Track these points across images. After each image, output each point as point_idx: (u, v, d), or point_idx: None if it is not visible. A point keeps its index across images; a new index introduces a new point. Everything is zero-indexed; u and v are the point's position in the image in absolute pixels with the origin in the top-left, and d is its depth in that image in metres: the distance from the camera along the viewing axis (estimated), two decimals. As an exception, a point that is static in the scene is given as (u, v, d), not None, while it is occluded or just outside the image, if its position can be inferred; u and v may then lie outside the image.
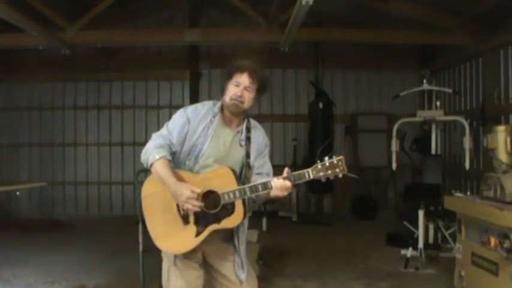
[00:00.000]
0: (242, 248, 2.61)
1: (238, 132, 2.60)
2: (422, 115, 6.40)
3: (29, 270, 5.43)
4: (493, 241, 3.41)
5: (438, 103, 6.54)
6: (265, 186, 2.37)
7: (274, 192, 2.37)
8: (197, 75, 9.69)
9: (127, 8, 9.10)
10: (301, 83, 9.78)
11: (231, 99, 2.52)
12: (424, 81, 6.63)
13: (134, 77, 9.72)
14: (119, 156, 9.80)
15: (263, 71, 2.61)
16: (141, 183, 2.60)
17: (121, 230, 7.24)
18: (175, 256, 2.53)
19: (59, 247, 6.63)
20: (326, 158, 2.33)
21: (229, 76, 2.55)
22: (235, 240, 2.58)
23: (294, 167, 8.94)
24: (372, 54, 9.23)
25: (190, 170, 2.52)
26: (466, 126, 6.14)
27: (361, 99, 9.77)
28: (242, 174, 2.54)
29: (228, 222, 2.43)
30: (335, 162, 2.32)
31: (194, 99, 9.40)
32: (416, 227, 5.75)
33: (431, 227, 6.05)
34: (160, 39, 7.76)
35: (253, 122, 2.68)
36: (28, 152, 9.79)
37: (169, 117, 2.67)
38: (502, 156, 3.94)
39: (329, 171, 2.32)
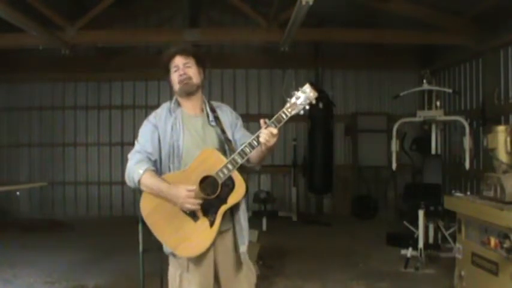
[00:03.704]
0: (238, 227, 2.56)
1: (204, 116, 2.63)
2: (422, 115, 6.39)
3: (29, 270, 5.43)
4: (493, 241, 3.41)
5: (438, 103, 6.53)
6: (252, 145, 2.38)
7: (264, 144, 2.35)
8: (197, 75, 9.68)
9: (127, 8, 9.09)
10: (301, 83, 9.73)
11: (179, 82, 2.57)
12: (424, 81, 6.62)
13: (134, 77, 9.72)
14: (119, 156, 9.78)
15: (190, 45, 2.71)
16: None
17: (121, 230, 7.22)
18: (189, 262, 2.49)
19: (59, 247, 6.63)
20: (295, 92, 2.38)
21: (166, 70, 2.62)
22: (234, 222, 2.55)
23: (294, 167, 8.97)
24: (372, 54, 9.23)
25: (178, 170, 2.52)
26: (466, 126, 6.14)
27: (361, 99, 9.77)
28: (226, 151, 2.53)
29: (234, 198, 2.42)
30: (302, 90, 2.38)
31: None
32: (416, 227, 5.75)
33: (431, 227, 6.05)
34: (160, 39, 7.75)
35: (215, 103, 2.73)
36: (28, 152, 9.79)
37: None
38: (502, 156, 3.94)
39: (301, 100, 2.37)
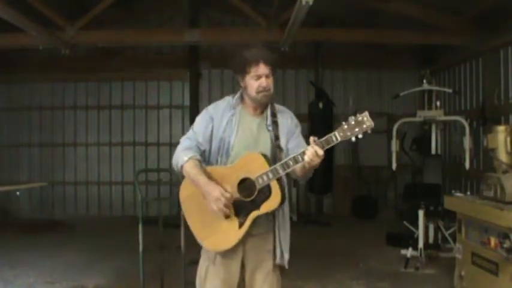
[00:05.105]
0: (282, 234, 2.57)
1: (263, 118, 2.57)
2: (422, 115, 6.40)
3: (29, 271, 5.44)
4: (493, 241, 3.42)
5: (438, 103, 6.54)
6: (296, 160, 2.32)
7: (307, 162, 2.30)
8: (197, 75, 9.69)
9: (127, 8, 9.09)
10: (301, 83, 9.78)
11: (258, 92, 2.47)
12: (424, 81, 6.63)
13: (134, 77, 9.73)
14: (119, 156, 9.80)
15: (272, 51, 2.53)
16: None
17: (121, 230, 7.23)
18: (217, 256, 2.50)
19: (59, 247, 6.63)
20: (352, 117, 2.31)
21: (244, 71, 2.46)
22: (276, 229, 2.55)
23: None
24: (372, 54, 9.23)
25: (224, 165, 2.51)
26: (466, 126, 6.14)
27: (361, 99, 9.77)
28: (276, 159, 2.47)
29: (267, 206, 2.39)
30: (360, 118, 2.30)
31: (194, 99, 9.40)
32: (416, 227, 5.76)
33: (431, 227, 6.05)
34: (161, 39, 7.76)
35: (278, 106, 2.63)
36: (28, 152, 9.80)
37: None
38: (502, 156, 3.95)
39: (356, 129, 2.30)
